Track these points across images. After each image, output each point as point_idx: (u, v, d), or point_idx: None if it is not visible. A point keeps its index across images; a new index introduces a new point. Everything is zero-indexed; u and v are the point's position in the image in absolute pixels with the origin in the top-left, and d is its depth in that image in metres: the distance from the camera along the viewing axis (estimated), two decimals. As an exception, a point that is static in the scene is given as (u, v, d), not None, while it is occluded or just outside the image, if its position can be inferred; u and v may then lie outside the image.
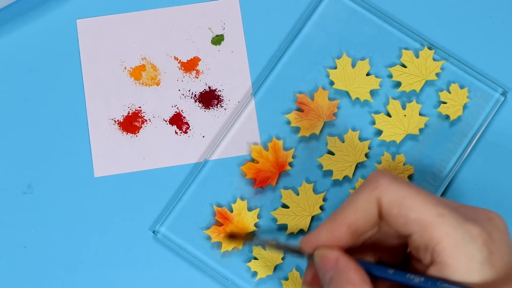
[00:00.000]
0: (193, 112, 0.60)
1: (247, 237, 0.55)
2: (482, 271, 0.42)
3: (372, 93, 0.60)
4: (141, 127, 0.60)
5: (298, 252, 0.48)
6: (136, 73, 0.61)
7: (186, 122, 0.60)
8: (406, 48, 0.61)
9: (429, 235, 0.43)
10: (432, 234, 0.43)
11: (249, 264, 0.58)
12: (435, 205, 0.43)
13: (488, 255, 0.42)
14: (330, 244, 0.46)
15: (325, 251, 0.46)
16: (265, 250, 0.57)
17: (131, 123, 0.60)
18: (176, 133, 0.60)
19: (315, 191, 0.59)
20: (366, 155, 0.59)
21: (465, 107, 0.60)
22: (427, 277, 0.43)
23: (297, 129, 0.60)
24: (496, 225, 0.44)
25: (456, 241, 0.42)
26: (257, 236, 0.52)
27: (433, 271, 0.43)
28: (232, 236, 0.56)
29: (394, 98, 0.60)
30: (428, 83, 0.60)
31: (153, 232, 0.58)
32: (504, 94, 0.60)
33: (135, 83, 0.61)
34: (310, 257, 0.47)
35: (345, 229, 0.46)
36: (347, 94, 0.60)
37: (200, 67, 0.61)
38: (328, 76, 0.60)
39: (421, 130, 0.59)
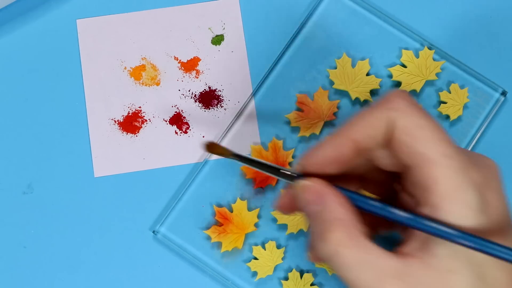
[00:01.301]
0: (193, 112, 0.60)
1: (226, 152, 0.49)
2: (475, 219, 0.41)
3: (372, 93, 0.60)
4: (141, 127, 0.60)
5: (275, 172, 0.45)
6: (136, 73, 0.61)
7: (186, 122, 0.60)
8: (406, 48, 0.61)
9: (430, 173, 0.41)
10: (433, 173, 0.41)
11: (249, 264, 0.58)
12: (446, 144, 0.42)
13: (484, 204, 0.41)
14: (333, 161, 0.43)
15: (308, 182, 0.44)
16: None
17: (131, 123, 0.60)
18: (176, 133, 0.60)
19: (315, 191, 0.59)
20: (366, 155, 0.59)
21: (465, 107, 0.60)
22: (415, 214, 0.42)
23: (297, 129, 0.60)
24: (494, 174, 0.43)
25: (456, 185, 0.41)
26: (236, 154, 0.48)
27: (424, 211, 0.42)
28: (210, 147, 0.51)
29: (394, 98, 0.60)
30: (428, 83, 0.60)
31: (153, 232, 0.58)
32: (504, 94, 0.60)
33: (135, 83, 0.61)
34: (288, 178, 0.44)
35: (350, 145, 0.43)
36: (347, 94, 0.60)
37: (200, 67, 0.61)
38: (328, 76, 0.60)
39: (421, 130, 0.59)
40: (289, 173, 0.45)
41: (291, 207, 0.47)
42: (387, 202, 0.43)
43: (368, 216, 0.44)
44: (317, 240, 0.42)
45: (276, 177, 0.46)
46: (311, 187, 0.43)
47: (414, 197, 0.43)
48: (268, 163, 0.46)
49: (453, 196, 0.41)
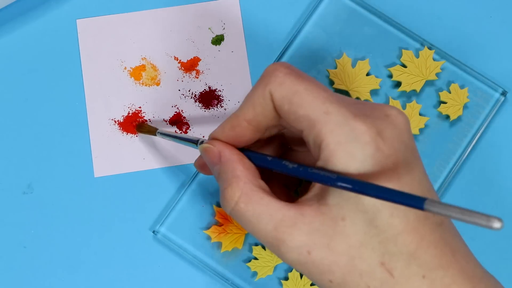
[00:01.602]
0: (193, 112, 0.60)
1: (150, 130, 0.58)
2: (362, 166, 0.42)
3: (372, 93, 0.60)
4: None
5: (194, 143, 0.50)
6: (136, 73, 0.61)
7: (186, 122, 0.60)
8: (406, 48, 0.60)
9: (316, 132, 0.43)
10: (318, 131, 0.43)
11: (249, 264, 0.58)
12: (323, 101, 0.43)
13: (373, 153, 0.42)
14: (235, 140, 0.47)
15: (208, 144, 0.47)
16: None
17: (131, 123, 0.60)
18: (176, 133, 0.60)
19: (315, 191, 0.59)
20: (366, 155, 0.59)
21: (465, 107, 0.60)
22: (300, 164, 0.44)
23: (297, 129, 0.60)
24: (392, 121, 0.44)
25: (338, 138, 0.42)
26: (159, 131, 0.56)
27: (318, 163, 0.44)
28: (139, 127, 0.59)
29: (394, 98, 0.60)
30: (428, 83, 0.60)
31: (153, 232, 0.58)
32: (504, 94, 0.60)
33: (135, 83, 0.61)
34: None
35: (245, 125, 0.46)
36: (347, 94, 0.60)
37: (200, 67, 0.61)
38: (328, 76, 0.60)
39: (421, 130, 0.59)
40: (204, 142, 0.49)
41: (206, 169, 0.51)
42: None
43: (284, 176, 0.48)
44: (221, 199, 0.45)
45: (195, 147, 0.51)
46: (211, 149, 0.47)
47: (314, 157, 0.45)
48: (187, 135, 0.52)
49: (336, 150, 0.42)
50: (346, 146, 0.42)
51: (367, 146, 0.42)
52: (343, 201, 0.42)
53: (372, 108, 0.44)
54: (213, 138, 0.48)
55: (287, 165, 0.45)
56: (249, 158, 0.47)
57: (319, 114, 0.43)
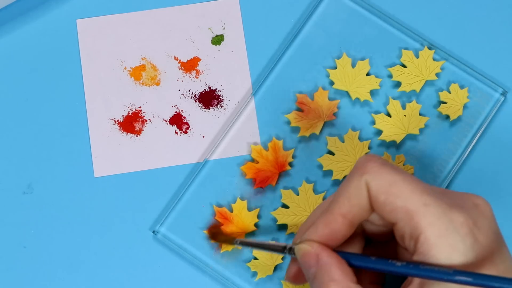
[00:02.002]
0: (193, 112, 0.60)
1: (228, 240, 0.55)
2: (463, 257, 0.42)
3: (372, 93, 0.60)
4: (141, 127, 0.60)
5: (280, 250, 0.47)
6: (136, 73, 0.61)
7: (186, 122, 0.60)
8: (406, 48, 0.61)
9: (413, 224, 0.43)
10: (417, 224, 0.43)
11: (249, 264, 0.58)
12: (421, 193, 0.43)
13: (472, 244, 0.42)
14: (329, 239, 0.45)
15: (306, 246, 0.46)
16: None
17: (131, 123, 0.60)
18: (176, 133, 0.60)
19: (315, 191, 0.59)
20: (366, 155, 0.59)
21: (465, 107, 0.60)
22: (409, 262, 0.43)
23: (297, 129, 0.60)
24: (482, 212, 0.44)
25: (439, 231, 0.42)
26: (237, 240, 0.52)
27: (415, 257, 0.43)
28: (213, 236, 0.56)
29: (394, 98, 0.60)
30: (428, 83, 0.60)
31: (153, 232, 0.58)
32: (504, 94, 0.60)
33: (135, 83, 0.61)
34: (293, 253, 0.47)
35: (341, 220, 0.45)
36: (347, 94, 0.60)
37: (200, 67, 0.61)
38: (328, 76, 0.60)
39: (421, 130, 0.59)
40: (293, 246, 0.47)
41: (299, 276, 0.48)
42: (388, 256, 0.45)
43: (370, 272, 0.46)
44: None
45: (282, 255, 0.49)
46: (309, 252, 0.45)
47: (407, 249, 0.44)
48: (273, 243, 0.49)
49: (438, 243, 0.42)
50: (447, 238, 0.42)
51: (466, 237, 0.42)
52: None
53: (461, 198, 0.44)
54: (306, 240, 0.46)
55: (395, 263, 0.44)
56: (348, 260, 0.45)
57: (418, 206, 0.43)
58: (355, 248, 0.48)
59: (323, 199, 0.58)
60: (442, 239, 0.42)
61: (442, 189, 0.45)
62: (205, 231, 0.57)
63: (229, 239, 0.53)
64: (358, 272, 0.46)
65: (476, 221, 0.43)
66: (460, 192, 0.46)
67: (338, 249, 0.46)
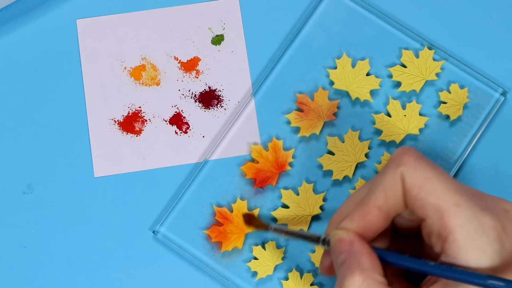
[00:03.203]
0: (193, 112, 0.60)
1: (262, 226, 0.54)
2: (490, 261, 0.42)
3: (372, 93, 0.60)
4: (141, 127, 0.60)
5: (315, 240, 0.48)
6: (136, 73, 0.61)
7: (186, 122, 0.60)
8: (406, 48, 0.60)
9: (443, 223, 0.43)
10: (447, 223, 0.42)
11: (249, 264, 0.58)
12: (454, 192, 0.43)
13: (500, 248, 0.42)
14: (363, 231, 0.45)
15: (342, 232, 0.46)
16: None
17: (131, 123, 0.60)
18: (176, 133, 0.60)
19: (315, 191, 0.59)
20: (366, 155, 0.59)
21: (465, 107, 0.60)
22: (442, 264, 0.43)
23: (297, 129, 0.60)
24: (511, 218, 0.44)
25: (469, 233, 0.42)
26: (271, 226, 0.52)
27: (443, 259, 0.43)
28: (248, 219, 0.55)
29: (394, 98, 0.60)
30: (428, 83, 0.60)
31: (153, 232, 0.58)
32: (504, 94, 0.60)
33: (135, 83, 0.61)
34: (327, 244, 0.47)
35: (377, 212, 0.45)
36: (347, 94, 0.60)
37: (200, 67, 0.61)
38: (328, 76, 0.60)
39: (421, 130, 0.59)
40: (327, 240, 0.47)
41: (333, 269, 0.48)
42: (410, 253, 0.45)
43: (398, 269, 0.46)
44: (337, 287, 0.44)
45: (316, 245, 0.49)
46: (344, 238, 0.45)
47: (433, 247, 0.44)
48: (308, 232, 0.50)
49: (467, 245, 0.42)
50: (477, 241, 0.42)
51: (495, 242, 0.42)
52: None
53: (492, 202, 0.44)
54: (342, 228, 0.46)
55: (428, 263, 0.44)
56: (382, 256, 0.45)
57: (449, 205, 0.43)
58: (383, 240, 0.48)
59: (323, 199, 0.58)
60: (472, 241, 0.42)
61: (474, 190, 0.45)
62: (242, 215, 0.56)
63: (263, 225, 0.53)
64: (386, 267, 0.46)
65: (505, 227, 0.43)
66: (491, 195, 0.45)
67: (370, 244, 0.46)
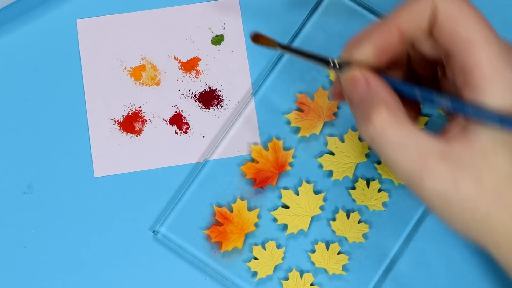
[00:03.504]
0: (193, 112, 0.60)
1: (270, 43, 0.51)
2: None
3: (372, 93, 0.60)
4: (141, 127, 0.60)
5: (325, 62, 0.47)
6: (136, 73, 0.61)
7: (186, 122, 0.60)
8: (406, 48, 0.60)
9: (471, 55, 0.42)
10: (474, 55, 0.42)
11: (249, 264, 0.58)
12: (487, 30, 0.43)
13: None
14: (380, 51, 0.45)
15: (354, 71, 0.45)
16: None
17: (131, 123, 0.60)
18: (176, 133, 0.60)
19: (315, 191, 0.59)
20: (366, 155, 0.59)
21: (465, 107, 0.60)
22: (457, 98, 0.43)
23: (297, 129, 0.60)
24: None
25: (497, 67, 0.42)
26: (279, 43, 0.50)
27: (465, 93, 0.43)
28: (255, 38, 0.52)
29: (394, 98, 0.60)
30: (428, 83, 0.60)
31: (153, 232, 0.58)
32: (504, 94, 0.60)
33: (135, 83, 0.61)
34: (339, 67, 0.46)
35: (396, 33, 0.44)
36: (347, 94, 0.60)
37: (200, 67, 0.61)
38: (328, 76, 0.60)
39: (421, 130, 0.59)
40: (337, 63, 0.46)
41: (342, 95, 0.48)
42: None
43: (409, 108, 0.45)
44: (362, 123, 0.43)
45: (326, 68, 0.47)
46: (358, 76, 0.45)
47: (456, 82, 0.44)
48: (316, 53, 0.47)
49: (493, 77, 0.42)
50: (504, 76, 0.42)
51: None
52: (494, 136, 0.42)
53: None
54: (354, 43, 0.45)
55: (442, 98, 0.43)
56: (396, 87, 0.45)
57: (481, 39, 0.42)
58: (398, 72, 0.47)
59: (323, 199, 0.58)
60: (498, 75, 0.42)
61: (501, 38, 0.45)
62: (250, 35, 0.52)
63: (272, 42, 0.51)
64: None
65: None
66: None
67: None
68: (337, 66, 0.46)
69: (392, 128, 0.43)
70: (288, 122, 0.60)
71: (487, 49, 0.42)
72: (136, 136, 0.60)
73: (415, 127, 0.43)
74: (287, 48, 0.50)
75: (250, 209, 0.58)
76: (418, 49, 0.47)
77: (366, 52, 0.45)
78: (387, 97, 0.44)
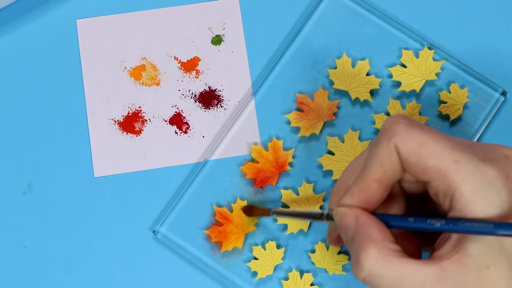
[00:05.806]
0: (193, 112, 0.60)
1: (263, 212, 0.55)
2: (500, 211, 0.42)
3: (372, 93, 0.60)
4: (141, 127, 0.60)
5: (318, 217, 0.48)
6: (136, 73, 0.61)
7: (186, 122, 0.60)
8: (406, 48, 0.61)
9: (447, 182, 0.43)
10: (450, 181, 0.43)
11: (249, 264, 0.58)
12: (451, 150, 0.43)
13: (507, 196, 0.42)
14: (364, 204, 0.45)
15: (344, 208, 0.46)
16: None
17: (131, 123, 0.60)
18: (176, 133, 0.60)
19: (315, 191, 0.59)
20: (366, 155, 0.59)
21: (465, 107, 0.60)
22: (448, 219, 0.43)
23: (297, 129, 0.60)
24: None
25: (474, 187, 0.42)
26: (273, 210, 0.53)
27: (452, 214, 0.43)
28: (248, 211, 0.56)
29: (394, 98, 0.60)
30: (428, 83, 0.60)
31: (153, 232, 0.58)
32: (504, 94, 0.60)
33: (135, 83, 0.61)
34: (330, 218, 0.47)
35: (375, 185, 0.45)
36: (347, 94, 0.60)
37: (200, 67, 0.61)
38: (328, 76, 0.60)
39: (421, 130, 0.59)
40: (330, 215, 0.48)
41: (341, 240, 0.49)
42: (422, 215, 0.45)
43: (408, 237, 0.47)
44: (354, 266, 0.44)
45: (320, 222, 0.49)
46: (348, 214, 0.45)
47: (443, 207, 0.44)
48: (309, 211, 0.50)
49: (474, 199, 0.42)
50: (483, 193, 0.42)
51: (501, 190, 0.42)
52: (486, 249, 0.42)
53: (491, 150, 0.45)
54: (344, 205, 0.47)
55: (434, 223, 0.44)
56: (386, 222, 0.45)
57: (449, 163, 0.43)
58: (397, 207, 0.48)
59: (323, 199, 0.58)
60: (478, 194, 0.42)
61: (470, 142, 0.45)
62: (241, 209, 0.57)
63: (265, 211, 0.54)
64: (396, 232, 0.46)
65: (508, 173, 0.43)
66: (489, 143, 0.45)
67: (378, 211, 0.46)
68: (331, 217, 0.47)
69: (382, 267, 0.43)
70: (288, 122, 0.60)
71: (459, 172, 0.42)
72: (136, 136, 0.60)
73: (406, 259, 0.43)
74: (280, 212, 0.53)
75: (250, 209, 0.58)
76: (403, 187, 0.47)
77: (351, 205, 0.46)
78: (375, 234, 0.44)
